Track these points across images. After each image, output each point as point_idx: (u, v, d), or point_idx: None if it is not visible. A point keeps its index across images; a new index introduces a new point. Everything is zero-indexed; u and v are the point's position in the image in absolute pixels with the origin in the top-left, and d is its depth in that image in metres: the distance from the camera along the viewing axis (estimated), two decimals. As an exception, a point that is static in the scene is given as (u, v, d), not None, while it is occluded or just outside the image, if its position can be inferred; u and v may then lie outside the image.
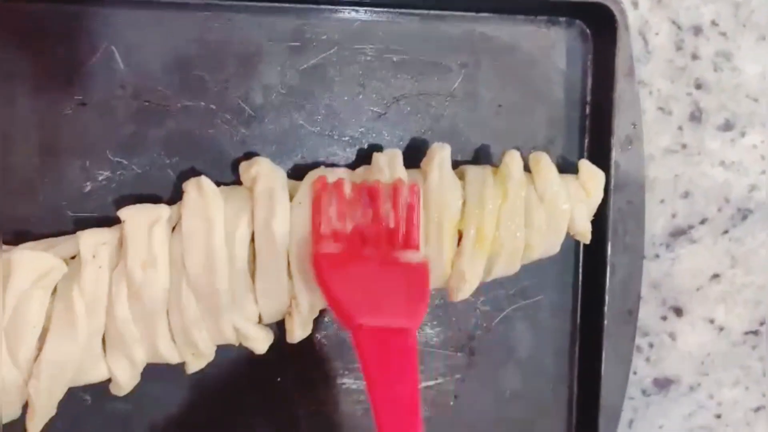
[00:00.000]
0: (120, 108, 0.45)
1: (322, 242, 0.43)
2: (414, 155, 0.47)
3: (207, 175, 0.44)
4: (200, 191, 0.42)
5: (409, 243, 0.44)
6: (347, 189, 0.44)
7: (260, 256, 0.43)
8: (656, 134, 0.54)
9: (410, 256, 0.44)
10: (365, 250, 0.43)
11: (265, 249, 0.43)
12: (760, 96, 0.55)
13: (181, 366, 0.45)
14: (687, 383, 0.57)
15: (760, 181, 0.56)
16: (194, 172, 0.46)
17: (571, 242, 0.52)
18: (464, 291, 0.46)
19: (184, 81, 0.46)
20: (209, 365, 0.45)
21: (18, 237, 0.43)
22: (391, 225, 0.44)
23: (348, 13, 0.48)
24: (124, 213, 0.42)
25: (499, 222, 0.45)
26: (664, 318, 0.56)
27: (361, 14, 0.48)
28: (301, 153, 0.48)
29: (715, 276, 0.57)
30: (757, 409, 0.59)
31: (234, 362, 0.48)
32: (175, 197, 0.45)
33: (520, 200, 0.46)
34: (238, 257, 0.43)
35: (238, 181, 0.46)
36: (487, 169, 0.47)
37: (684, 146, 0.55)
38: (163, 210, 0.42)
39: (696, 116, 0.55)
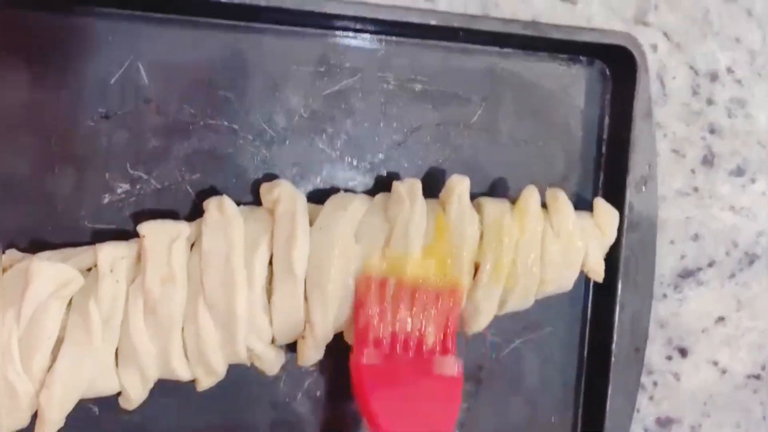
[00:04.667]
0: (142, 123, 0.45)
1: (365, 351, 0.43)
2: (432, 184, 0.47)
3: (226, 194, 0.44)
4: (222, 211, 0.43)
5: (445, 349, 0.44)
6: (390, 290, 0.44)
7: (277, 279, 0.43)
8: (669, 176, 0.55)
9: (446, 368, 0.44)
10: (403, 358, 0.44)
11: (283, 272, 0.43)
12: (772, 143, 0.56)
13: (189, 382, 0.45)
14: (689, 424, 0.57)
15: (768, 227, 0.57)
16: (214, 191, 0.46)
17: (581, 276, 0.52)
18: (478, 324, 0.46)
19: (209, 99, 0.46)
20: (219, 383, 0.45)
21: (34, 246, 0.43)
22: (430, 331, 0.44)
23: (372, 42, 0.48)
24: (144, 228, 0.42)
25: (515, 256, 0.46)
26: (669, 358, 0.56)
27: (384, 44, 0.49)
28: (320, 177, 0.48)
29: (721, 319, 0.57)
30: (756, 453, 0.59)
31: (243, 381, 0.48)
32: (193, 214, 0.45)
33: (536, 235, 0.46)
34: (256, 279, 0.42)
35: (256, 202, 0.46)
36: (505, 204, 0.47)
37: (696, 189, 0.55)
38: (183, 227, 0.42)
39: (708, 160, 0.55)
